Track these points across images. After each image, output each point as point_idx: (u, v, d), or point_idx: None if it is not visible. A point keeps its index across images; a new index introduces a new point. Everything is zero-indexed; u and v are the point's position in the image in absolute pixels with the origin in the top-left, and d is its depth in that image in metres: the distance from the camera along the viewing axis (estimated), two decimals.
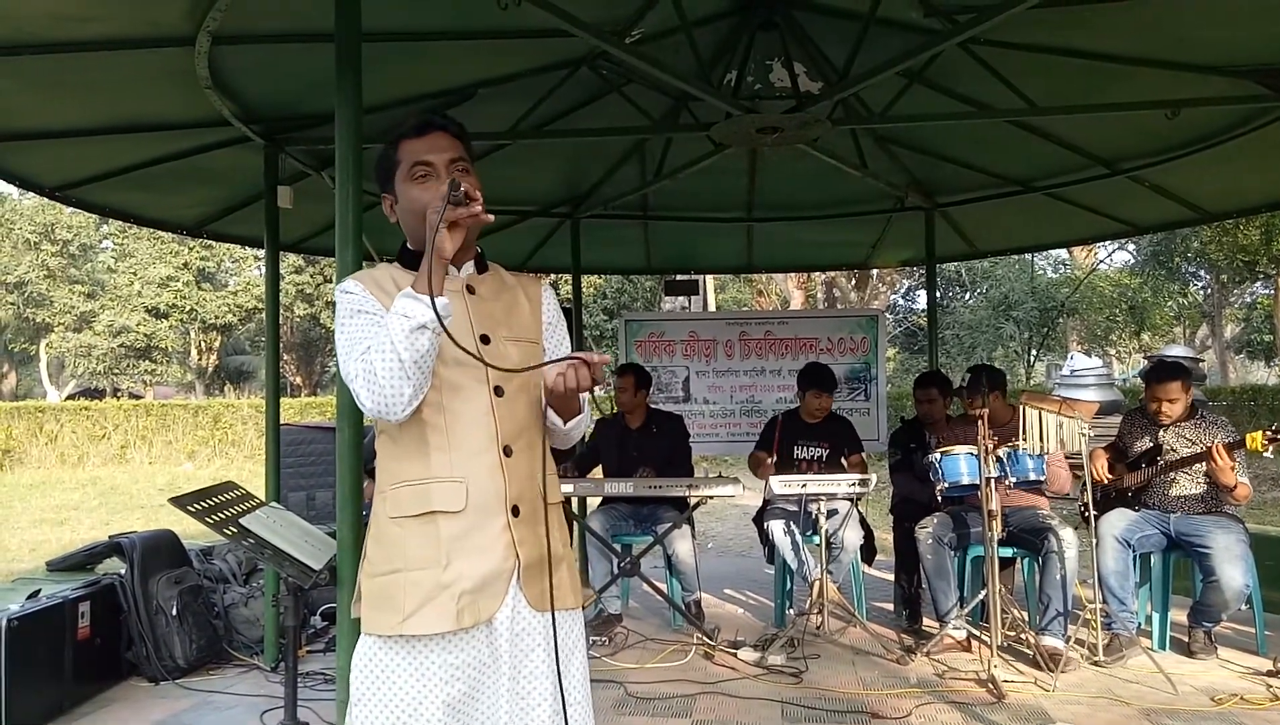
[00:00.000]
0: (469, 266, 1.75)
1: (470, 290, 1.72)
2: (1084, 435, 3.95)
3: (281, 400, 4.93)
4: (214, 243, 23.61)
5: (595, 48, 4.05)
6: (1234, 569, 3.92)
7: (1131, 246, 22.64)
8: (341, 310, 1.64)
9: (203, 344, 26.46)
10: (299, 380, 27.58)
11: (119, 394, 25.35)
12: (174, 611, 4.13)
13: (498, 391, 1.67)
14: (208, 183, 4.92)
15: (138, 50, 3.40)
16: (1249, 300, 22.92)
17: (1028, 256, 20.72)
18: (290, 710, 2.61)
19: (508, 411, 1.68)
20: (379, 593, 1.61)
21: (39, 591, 3.86)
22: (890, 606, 5.18)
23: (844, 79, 3.89)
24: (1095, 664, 4.00)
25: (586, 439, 5.46)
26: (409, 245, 1.76)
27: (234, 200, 5.21)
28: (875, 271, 19.21)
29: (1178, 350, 12.33)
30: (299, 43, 3.55)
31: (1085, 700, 3.62)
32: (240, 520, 2.38)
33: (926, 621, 4.74)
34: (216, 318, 24.94)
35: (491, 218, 1.59)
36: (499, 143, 4.89)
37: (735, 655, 4.23)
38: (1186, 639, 4.25)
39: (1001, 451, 4.03)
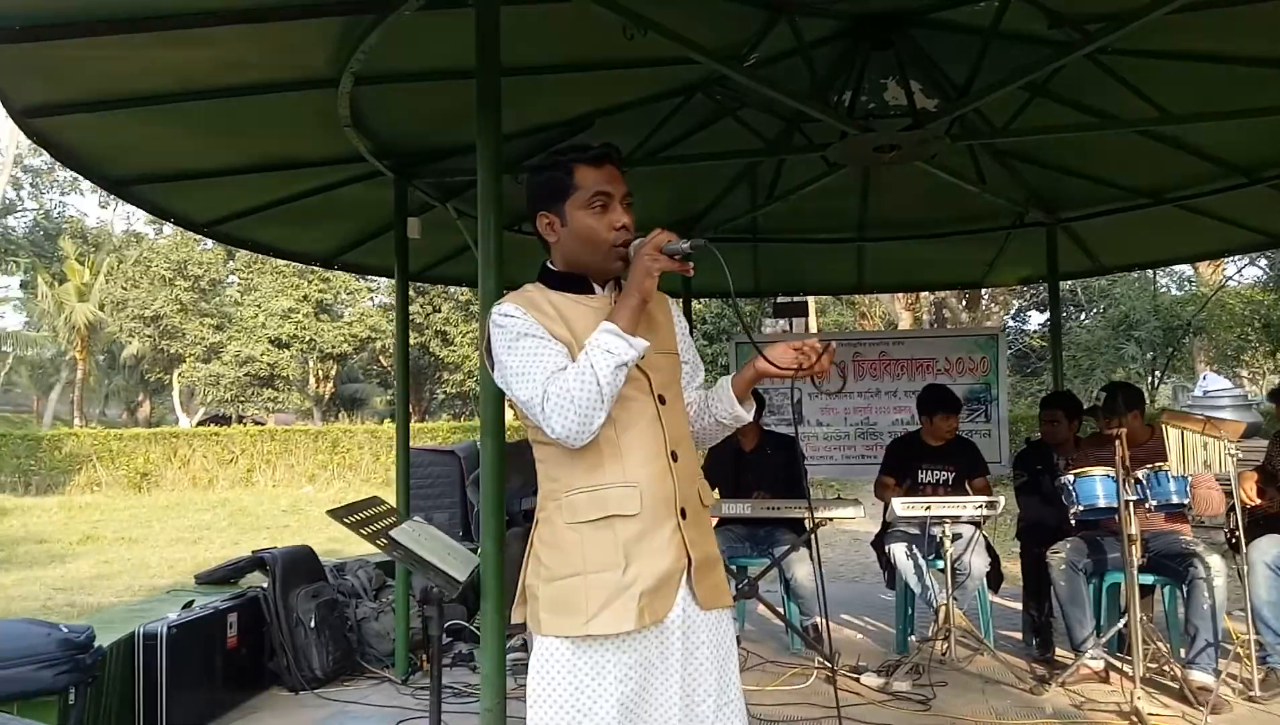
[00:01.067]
0: (610, 284, 1.81)
1: None
2: (1231, 456, 3.76)
3: (392, 425, 5.11)
4: (330, 276, 24.89)
5: (711, 73, 4.12)
6: None
7: (1264, 261, 21.29)
8: (507, 333, 1.69)
9: (320, 372, 27.64)
10: (409, 406, 28.48)
11: (244, 420, 26.74)
12: (312, 624, 4.32)
13: (661, 400, 1.74)
14: (342, 216, 5.20)
15: (285, 93, 3.65)
16: None
17: (1148, 274, 19.67)
18: (435, 721, 2.70)
19: (671, 418, 1.75)
20: (559, 596, 1.67)
21: (192, 602, 4.10)
22: (1018, 635, 5.00)
23: (964, 95, 3.85)
24: (1250, 700, 3.77)
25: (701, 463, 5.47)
26: (559, 264, 1.80)
27: (365, 232, 5.48)
28: (986, 291, 18.64)
29: None
30: (433, 81, 3.73)
31: None
32: (390, 533, 2.50)
33: (1058, 651, 4.55)
34: (333, 347, 26.04)
35: (693, 272, 1.71)
36: None
37: (858, 680, 4.16)
38: None
39: (1141, 473, 3.86)
